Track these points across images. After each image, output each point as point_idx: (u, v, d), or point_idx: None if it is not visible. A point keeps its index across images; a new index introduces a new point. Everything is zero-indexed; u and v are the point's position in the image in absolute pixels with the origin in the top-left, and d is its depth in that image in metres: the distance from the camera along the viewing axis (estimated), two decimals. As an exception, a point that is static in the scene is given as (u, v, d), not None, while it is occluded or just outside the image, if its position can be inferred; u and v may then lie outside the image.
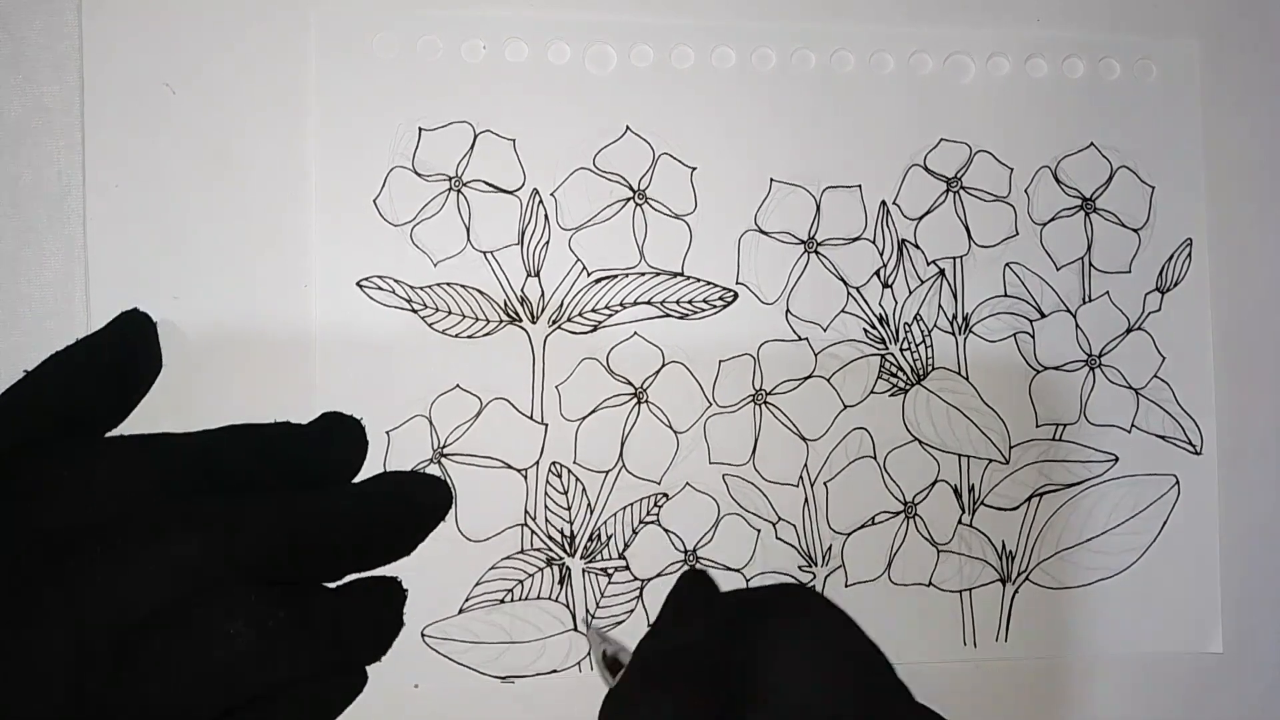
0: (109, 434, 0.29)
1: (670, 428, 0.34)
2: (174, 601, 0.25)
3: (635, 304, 0.34)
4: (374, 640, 0.30)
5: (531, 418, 0.33)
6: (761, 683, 0.23)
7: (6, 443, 0.27)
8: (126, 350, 0.30)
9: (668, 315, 0.34)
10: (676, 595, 0.27)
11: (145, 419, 0.30)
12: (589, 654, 0.33)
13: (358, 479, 0.31)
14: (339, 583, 0.30)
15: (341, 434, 0.31)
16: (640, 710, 0.23)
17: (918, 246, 0.35)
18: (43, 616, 0.24)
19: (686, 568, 0.33)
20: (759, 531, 0.34)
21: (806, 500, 0.34)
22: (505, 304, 0.33)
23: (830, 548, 0.34)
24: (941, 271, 0.35)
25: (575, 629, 0.33)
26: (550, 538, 0.33)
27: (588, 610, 0.33)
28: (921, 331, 0.35)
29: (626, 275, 0.34)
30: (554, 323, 0.33)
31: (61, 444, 0.27)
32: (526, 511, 0.33)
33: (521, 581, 0.33)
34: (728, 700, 0.23)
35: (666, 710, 0.23)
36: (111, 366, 0.30)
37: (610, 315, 0.34)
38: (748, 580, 0.34)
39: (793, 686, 0.23)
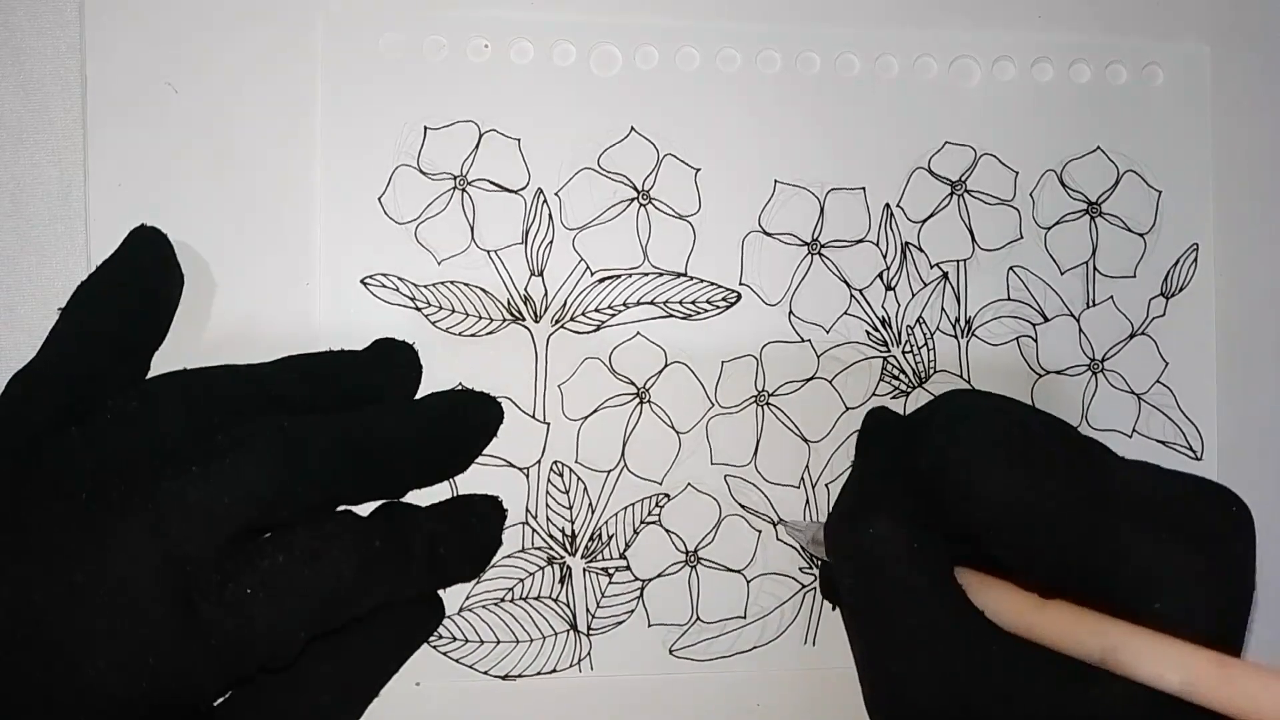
0: (173, 370, 0.29)
1: (672, 428, 0.34)
2: (268, 522, 0.26)
3: (638, 304, 0.34)
4: (471, 560, 0.31)
5: (534, 416, 0.33)
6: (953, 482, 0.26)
7: (74, 374, 0.28)
8: (146, 269, 0.30)
9: (670, 315, 0.34)
10: (861, 436, 0.33)
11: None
12: (800, 548, 0.34)
13: None
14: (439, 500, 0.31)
15: (395, 359, 0.31)
16: (868, 528, 0.27)
17: (921, 249, 0.35)
18: (130, 537, 0.24)
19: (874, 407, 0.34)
20: (760, 532, 0.34)
21: (808, 501, 0.34)
22: (508, 303, 0.33)
23: (831, 550, 0.35)
24: (945, 274, 0.35)
25: (574, 629, 0.33)
26: (551, 537, 0.33)
27: (779, 519, 0.34)
28: (924, 334, 0.35)
29: (630, 275, 0.34)
30: (557, 322, 0.33)
31: (121, 375, 0.28)
32: (528, 510, 0.33)
33: (522, 580, 0.33)
34: (937, 507, 0.26)
35: (882, 528, 0.26)
36: (138, 287, 0.30)
37: (613, 315, 0.34)
38: (748, 581, 0.34)
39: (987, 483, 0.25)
